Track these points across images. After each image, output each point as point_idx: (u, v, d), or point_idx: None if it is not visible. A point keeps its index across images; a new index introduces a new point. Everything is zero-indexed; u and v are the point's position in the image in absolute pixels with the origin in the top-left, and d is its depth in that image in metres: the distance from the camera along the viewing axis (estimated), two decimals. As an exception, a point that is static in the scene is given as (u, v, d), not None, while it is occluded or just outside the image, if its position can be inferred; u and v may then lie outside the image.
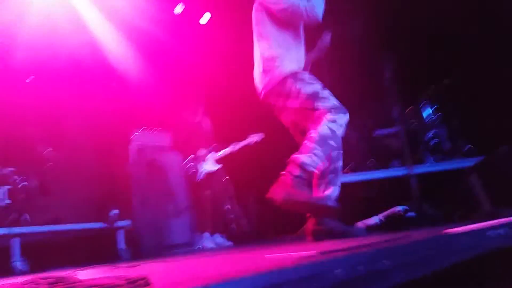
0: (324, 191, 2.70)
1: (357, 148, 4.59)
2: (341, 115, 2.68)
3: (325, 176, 2.70)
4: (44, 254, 3.86)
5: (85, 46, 4.69)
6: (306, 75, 2.79)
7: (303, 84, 2.72)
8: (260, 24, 2.88)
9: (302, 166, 2.57)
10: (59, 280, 1.78)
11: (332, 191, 2.69)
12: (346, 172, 4.41)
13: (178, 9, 5.07)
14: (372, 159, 4.55)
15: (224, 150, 5.03)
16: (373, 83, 4.55)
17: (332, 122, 2.64)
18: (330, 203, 2.63)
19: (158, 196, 4.72)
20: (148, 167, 4.78)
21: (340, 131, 2.66)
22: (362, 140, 4.67)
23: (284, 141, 4.96)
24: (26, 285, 1.71)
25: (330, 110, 2.65)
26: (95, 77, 4.85)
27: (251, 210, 5.64)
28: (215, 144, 5.13)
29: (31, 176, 4.07)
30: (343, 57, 4.72)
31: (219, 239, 4.60)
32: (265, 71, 2.82)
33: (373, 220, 3.17)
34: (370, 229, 3.06)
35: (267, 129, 4.85)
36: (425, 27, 4.80)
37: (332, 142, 2.63)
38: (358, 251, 1.45)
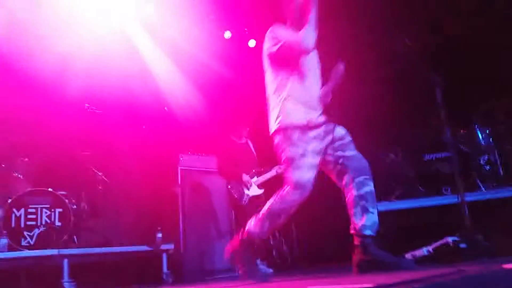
0: (360, 220, 2.66)
1: (405, 173, 4.45)
2: (298, 193, 2.73)
3: (356, 205, 2.69)
4: (91, 275, 3.97)
5: (137, 73, 4.88)
6: (296, 135, 2.75)
7: (286, 145, 2.76)
8: (266, 72, 2.94)
9: (249, 236, 2.83)
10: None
11: (367, 219, 2.65)
12: (393, 200, 4.27)
13: (227, 34, 5.22)
14: (421, 186, 4.39)
15: (267, 174, 5.01)
16: (422, 105, 4.42)
17: (287, 199, 2.75)
18: (367, 232, 2.63)
19: (202, 220, 4.76)
20: (193, 190, 4.84)
21: (292, 208, 2.77)
22: (411, 165, 4.52)
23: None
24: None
25: (292, 183, 2.73)
26: (146, 103, 5.03)
27: (293, 237, 5.55)
28: (259, 168, 5.12)
29: (81, 200, 4.24)
30: (392, 78, 4.64)
31: (260, 266, 4.54)
32: (270, 120, 2.91)
33: (422, 251, 3.04)
34: (419, 261, 2.93)
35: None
36: (479, 45, 4.64)
37: (282, 216, 2.79)
38: (411, 287, 1.38)
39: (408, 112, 4.78)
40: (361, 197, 2.68)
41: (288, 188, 2.74)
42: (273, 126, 2.85)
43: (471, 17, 4.65)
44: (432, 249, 2.96)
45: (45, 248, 3.76)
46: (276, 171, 4.97)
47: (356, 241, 2.67)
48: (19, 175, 4.12)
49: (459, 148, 4.43)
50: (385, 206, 4.19)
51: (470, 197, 3.80)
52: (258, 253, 4.69)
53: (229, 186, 4.90)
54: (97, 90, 4.73)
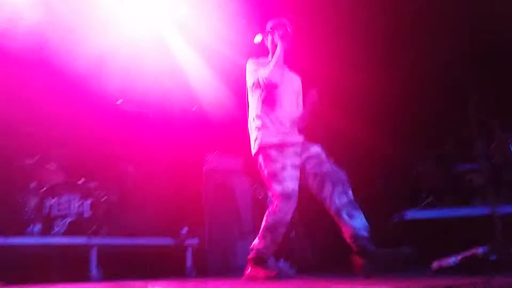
0: (350, 225, 2.83)
1: (435, 183, 4.38)
2: (286, 202, 2.92)
3: (342, 214, 2.87)
4: (117, 265, 4.06)
5: (169, 73, 4.97)
6: (274, 152, 3.01)
7: (266, 162, 3.02)
8: (247, 100, 3.30)
9: (257, 252, 3.01)
10: (134, 289, 1.87)
11: (356, 222, 2.83)
12: (423, 208, 4.21)
13: (258, 38, 5.24)
14: (452, 196, 4.32)
15: None
16: (455, 114, 4.35)
17: (278, 212, 2.93)
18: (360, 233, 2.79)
19: (226, 218, 4.80)
20: (218, 189, 4.89)
21: (287, 218, 2.94)
22: (442, 175, 4.45)
23: (353, 169, 4.87)
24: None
25: (278, 196, 2.93)
26: (176, 102, 5.12)
27: (317, 239, 5.51)
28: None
29: (112, 191, 4.35)
30: (424, 89, 4.58)
31: (283, 265, 4.54)
32: (250, 141, 3.18)
33: (449, 260, 2.98)
34: (445, 270, 2.89)
35: (336, 154, 4.81)
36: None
37: (280, 229, 2.97)
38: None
39: (440, 122, 4.70)
40: (344, 205, 2.87)
41: (276, 202, 2.95)
42: (253, 148, 3.14)
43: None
44: (460, 259, 2.90)
45: (75, 236, 3.88)
46: None
47: (354, 247, 2.79)
48: (53, 166, 4.26)
49: (491, 159, 4.33)
50: (414, 214, 4.14)
51: (502, 209, 3.71)
52: (281, 253, 4.72)
53: (254, 186, 4.93)
54: (132, 88, 4.86)
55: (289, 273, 4.43)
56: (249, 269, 3.07)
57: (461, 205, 4.21)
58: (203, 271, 4.27)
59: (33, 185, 4.08)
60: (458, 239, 3.76)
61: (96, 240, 3.92)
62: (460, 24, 4.62)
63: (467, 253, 2.93)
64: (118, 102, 4.95)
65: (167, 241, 4.28)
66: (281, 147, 3.02)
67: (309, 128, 4.95)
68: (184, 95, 5.23)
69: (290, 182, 2.94)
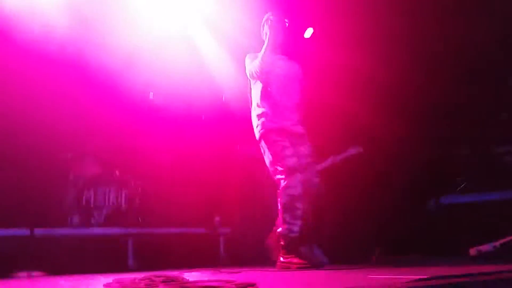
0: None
1: (471, 166, 4.26)
2: (292, 176, 3.07)
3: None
4: (153, 254, 4.17)
5: (196, 67, 4.99)
6: (273, 136, 3.22)
7: (268, 146, 3.22)
8: (249, 88, 3.50)
9: (284, 237, 3.09)
10: (171, 279, 1.92)
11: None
12: (461, 193, 4.12)
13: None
14: (491, 179, 4.19)
15: (323, 163, 4.95)
16: (493, 95, 4.20)
17: (288, 187, 3.08)
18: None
19: (258, 206, 4.82)
20: (250, 178, 4.91)
21: (298, 190, 3.07)
22: (478, 157, 4.32)
23: (382, 155, 4.80)
24: (143, 281, 1.87)
25: (284, 173, 3.10)
26: (207, 94, 5.16)
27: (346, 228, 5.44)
28: (314, 157, 5.07)
29: (146, 182, 4.46)
30: (463, 70, 4.44)
31: (317, 251, 4.50)
32: (254, 127, 3.37)
33: (488, 246, 2.91)
34: (484, 256, 2.81)
35: (366, 142, 4.74)
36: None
37: (297, 204, 3.07)
38: (473, 279, 1.35)
39: (479, 104, 4.55)
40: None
41: (283, 179, 3.10)
42: (256, 134, 3.33)
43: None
44: (499, 245, 2.82)
45: (112, 227, 4.01)
46: (332, 161, 4.92)
47: None
48: (90, 159, 4.39)
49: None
50: (452, 199, 4.05)
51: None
52: (314, 239, 4.69)
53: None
54: (160, 83, 4.94)
55: (323, 261, 4.41)
56: (281, 258, 3.08)
57: (500, 189, 4.07)
58: (235, 259, 4.32)
59: (71, 178, 4.23)
60: (496, 224, 3.66)
61: (132, 230, 4.02)
62: (494, 7, 4.45)
63: (507, 239, 2.85)
64: (151, 96, 5.04)
65: (200, 230, 4.35)
66: (280, 131, 3.21)
67: (345, 124, 4.93)
68: (212, 87, 5.26)
69: (291, 158, 3.12)
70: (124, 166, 4.50)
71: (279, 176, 3.14)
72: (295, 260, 3.02)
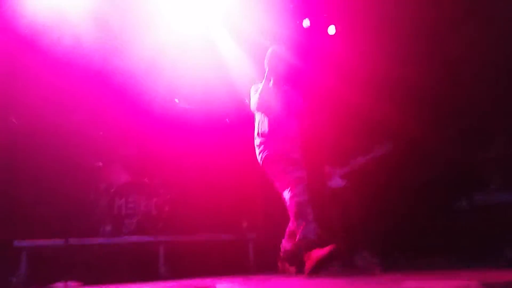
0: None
1: (504, 164, 4.13)
2: (299, 186, 3.29)
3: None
4: (183, 261, 4.21)
5: (217, 70, 5.02)
6: (272, 162, 3.49)
7: (270, 172, 3.52)
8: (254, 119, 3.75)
9: (303, 242, 3.22)
10: (203, 290, 1.94)
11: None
12: (491, 192, 3.99)
13: (306, 22, 5.19)
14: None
15: (352, 165, 4.87)
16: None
17: (294, 196, 3.26)
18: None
19: (284, 210, 4.80)
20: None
21: (304, 197, 3.27)
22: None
23: (411, 154, 4.69)
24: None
25: (290, 185, 3.30)
26: (228, 96, 5.17)
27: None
28: (340, 159, 5.01)
29: (175, 189, 4.51)
30: (493, 67, 4.32)
31: (365, 257, 4.41)
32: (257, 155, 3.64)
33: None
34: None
35: (395, 142, 4.66)
36: None
37: (305, 209, 3.24)
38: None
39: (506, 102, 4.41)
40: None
41: (289, 190, 3.30)
42: (259, 161, 3.60)
43: None
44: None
45: (143, 235, 4.07)
46: (360, 161, 4.81)
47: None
48: (119, 167, 4.47)
49: None
50: (484, 198, 3.94)
51: None
52: (363, 244, 4.61)
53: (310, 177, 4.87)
54: (184, 88, 4.97)
55: (371, 266, 4.26)
56: (307, 265, 3.13)
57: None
58: (264, 264, 4.31)
59: (102, 186, 4.32)
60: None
61: (162, 238, 4.07)
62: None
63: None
64: (176, 101, 5.08)
65: (228, 236, 4.37)
66: (278, 158, 3.47)
67: (373, 124, 4.87)
68: (235, 90, 5.27)
69: (293, 172, 3.36)
70: (153, 173, 4.57)
71: (285, 193, 3.35)
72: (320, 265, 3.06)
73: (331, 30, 5.64)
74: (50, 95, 4.35)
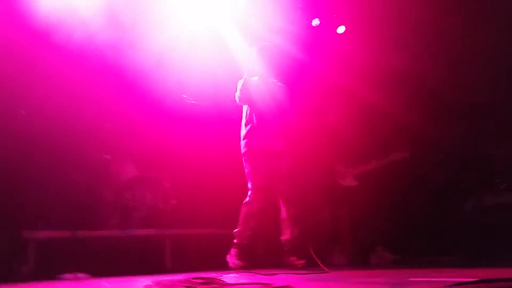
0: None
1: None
2: (256, 195, 3.67)
3: None
4: (189, 255, 4.22)
5: (225, 67, 5.02)
6: (250, 155, 3.73)
7: (246, 162, 3.76)
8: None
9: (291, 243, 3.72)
10: (210, 281, 1.94)
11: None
12: (501, 193, 3.97)
13: (316, 21, 5.20)
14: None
15: (366, 165, 4.82)
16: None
17: (247, 203, 3.70)
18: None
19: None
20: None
21: (254, 208, 3.69)
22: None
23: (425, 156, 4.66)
24: (182, 284, 1.90)
25: (251, 190, 3.70)
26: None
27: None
28: (356, 159, 4.95)
29: (182, 182, 4.52)
30: (500, 68, 4.29)
31: (380, 252, 4.39)
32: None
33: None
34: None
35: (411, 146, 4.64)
36: None
37: (250, 218, 3.72)
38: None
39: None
40: None
41: (248, 195, 3.68)
42: (241, 151, 3.81)
43: None
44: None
45: (150, 228, 4.09)
46: (374, 165, 4.75)
47: None
48: (127, 161, 4.50)
49: None
50: (492, 199, 3.91)
51: None
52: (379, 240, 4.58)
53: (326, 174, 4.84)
54: (192, 83, 4.98)
55: (384, 261, 4.23)
56: (295, 260, 3.48)
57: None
58: (271, 259, 4.30)
59: (110, 179, 4.34)
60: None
61: (169, 231, 4.09)
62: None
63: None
64: (184, 96, 5.10)
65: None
66: (257, 151, 3.67)
67: (390, 128, 4.84)
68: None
69: (259, 179, 3.66)
70: (160, 167, 4.58)
71: (249, 192, 3.68)
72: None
73: (340, 29, 5.63)
74: (61, 89, 4.37)
